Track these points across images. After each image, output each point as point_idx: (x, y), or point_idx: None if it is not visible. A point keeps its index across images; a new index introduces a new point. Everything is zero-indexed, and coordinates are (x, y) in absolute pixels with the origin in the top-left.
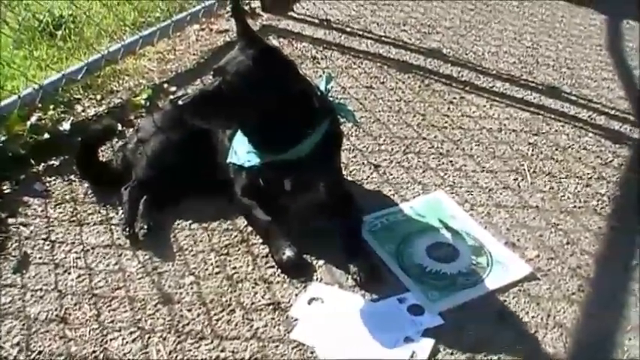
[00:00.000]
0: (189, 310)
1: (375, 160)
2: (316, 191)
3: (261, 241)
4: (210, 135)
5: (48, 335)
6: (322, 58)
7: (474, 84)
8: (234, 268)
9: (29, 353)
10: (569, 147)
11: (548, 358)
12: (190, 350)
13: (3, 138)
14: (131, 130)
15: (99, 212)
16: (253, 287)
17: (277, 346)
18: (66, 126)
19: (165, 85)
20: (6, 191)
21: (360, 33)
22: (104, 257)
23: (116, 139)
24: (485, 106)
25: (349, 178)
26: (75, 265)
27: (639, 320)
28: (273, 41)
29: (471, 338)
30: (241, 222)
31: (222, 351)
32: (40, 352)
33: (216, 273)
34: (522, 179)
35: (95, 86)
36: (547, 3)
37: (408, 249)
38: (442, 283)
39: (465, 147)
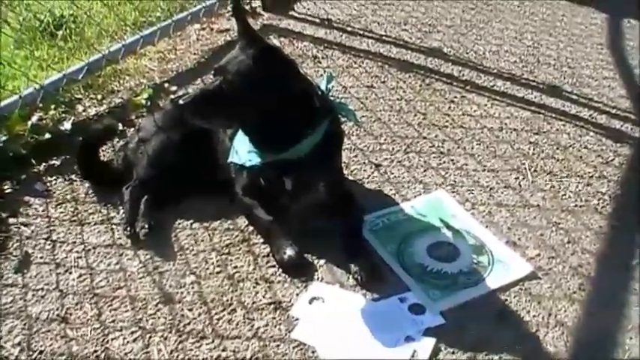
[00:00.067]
0: (191, 310)
1: (376, 159)
2: (317, 191)
3: (262, 240)
4: (211, 135)
5: (49, 335)
6: (323, 58)
7: (475, 83)
8: (235, 267)
9: (30, 353)
10: (570, 146)
11: (549, 357)
12: (191, 350)
13: (4, 138)
14: (132, 129)
15: (100, 212)
16: (254, 287)
17: (278, 346)
18: (67, 126)
19: (166, 85)
20: (7, 191)
21: (361, 32)
22: (105, 257)
23: (117, 139)
24: (486, 105)
25: (350, 178)
26: (76, 264)
27: None
28: (274, 40)
29: (472, 337)
30: (242, 221)
31: (223, 350)
32: (41, 352)
33: (217, 272)
34: (523, 178)
35: (96, 86)
36: (548, 2)
37: (409, 248)
38: (443, 282)
39: (466, 146)
